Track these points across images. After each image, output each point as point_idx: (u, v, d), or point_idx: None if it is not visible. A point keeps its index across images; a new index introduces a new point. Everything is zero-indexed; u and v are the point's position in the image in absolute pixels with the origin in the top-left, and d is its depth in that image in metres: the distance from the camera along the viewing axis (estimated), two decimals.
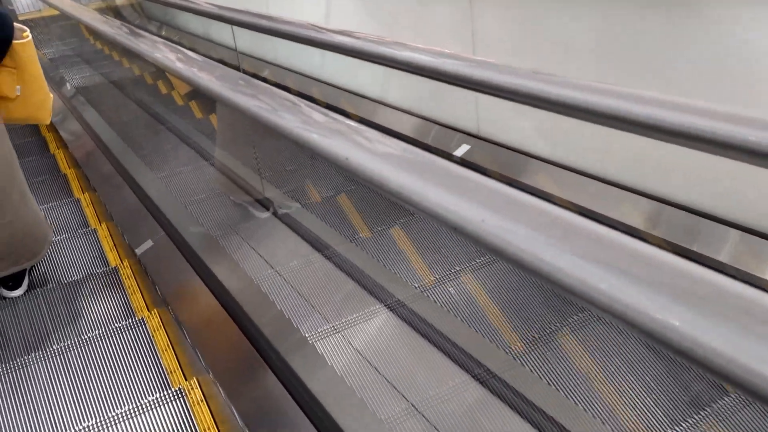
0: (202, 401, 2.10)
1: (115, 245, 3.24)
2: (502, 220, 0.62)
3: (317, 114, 0.94)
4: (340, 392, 1.69)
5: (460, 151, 3.22)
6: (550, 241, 0.58)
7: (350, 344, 1.83)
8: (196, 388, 2.13)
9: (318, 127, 0.90)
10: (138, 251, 2.80)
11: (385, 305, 2.03)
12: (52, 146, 4.90)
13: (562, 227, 0.58)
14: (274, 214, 2.92)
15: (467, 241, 0.63)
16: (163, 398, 2.09)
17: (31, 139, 5.06)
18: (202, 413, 2.07)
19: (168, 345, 2.46)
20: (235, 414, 1.79)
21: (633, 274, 0.49)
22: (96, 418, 2.04)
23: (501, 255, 0.58)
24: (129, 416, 2.04)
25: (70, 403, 2.24)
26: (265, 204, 3.04)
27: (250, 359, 1.94)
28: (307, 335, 1.99)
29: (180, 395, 2.12)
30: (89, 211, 3.68)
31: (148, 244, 2.81)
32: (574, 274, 0.54)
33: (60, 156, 4.62)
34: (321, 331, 2.05)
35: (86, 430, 1.99)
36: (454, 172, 0.69)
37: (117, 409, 2.09)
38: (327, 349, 1.96)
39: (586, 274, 0.53)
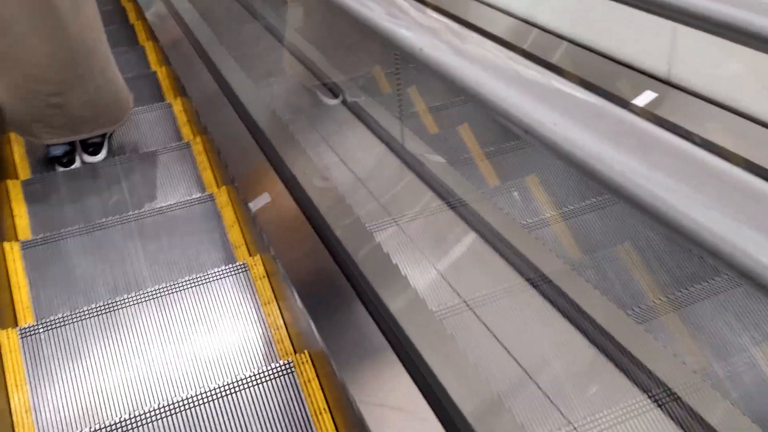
0: (264, 277, 2.21)
1: (188, 121, 3.33)
2: (575, 125, 0.60)
3: (405, 4, 0.91)
4: (393, 279, 1.73)
5: (642, 100, 2.43)
6: (621, 150, 0.57)
7: (408, 237, 1.86)
8: (259, 264, 2.24)
9: (399, 17, 0.87)
10: (211, 129, 2.87)
11: (446, 203, 2.04)
12: (132, 16, 4.95)
13: (638, 137, 0.56)
14: (344, 102, 2.91)
15: (537, 144, 0.61)
16: (228, 271, 2.21)
17: (109, 7, 5.11)
18: (264, 288, 2.18)
19: (234, 221, 2.57)
20: (293, 291, 1.88)
21: (711, 192, 0.48)
22: (166, 282, 2.19)
23: (570, 161, 0.57)
24: (196, 283, 2.17)
25: (143, 265, 2.40)
26: (334, 91, 3.03)
27: (310, 240, 2.00)
28: (366, 224, 2.03)
29: (244, 269, 2.23)
30: (165, 85, 3.76)
31: (221, 123, 2.86)
32: (641, 184, 0.52)
33: (138, 27, 4.67)
34: (381, 222, 2.09)
35: (157, 291, 2.14)
36: (531, 74, 0.66)
37: (186, 275, 2.22)
38: (384, 238, 2.00)
39: (656, 186, 0.52)
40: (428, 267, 1.71)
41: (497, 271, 1.69)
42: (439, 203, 2.10)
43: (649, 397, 1.23)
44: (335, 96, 2.95)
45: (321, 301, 1.78)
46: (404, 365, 1.48)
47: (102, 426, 1.67)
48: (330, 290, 1.79)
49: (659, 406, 1.21)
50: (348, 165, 2.28)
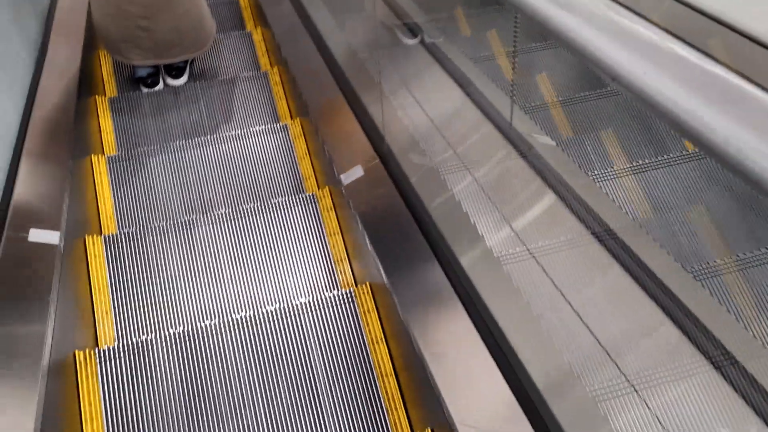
0: (331, 209, 2.27)
1: (267, 51, 3.38)
2: (665, 76, 0.60)
3: None
4: (459, 222, 1.76)
5: None
6: (709, 104, 0.57)
7: (473, 178, 1.87)
8: (327, 197, 2.30)
9: None
10: (289, 61, 2.91)
11: (518, 150, 2.03)
12: None
13: (728, 92, 0.56)
14: (422, 42, 2.89)
15: (624, 92, 0.62)
16: (297, 200, 2.29)
17: None
18: (330, 219, 2.25)
19: (306, 153, 2.63)
20: (358, 222, 1.94)
21: None
22: (239, 206, 2.28)
23: (657, 111, 0.58)
24: (267, 210, 2.26)
25: (218, 187, 2.50)
26: (414, 30, 3.00)
27: (378, 173, 2.04)
28: (436, 166, 2.05)
29: (312, 200, 2.30)
30: (246, 14, 3.80)
31: (300, 56, 2.89)
32: (729, 141, 0.53)
33: None
34: (450, 165, 2.10)
35: (230, 214, 2.24)
36: (626, 23, 0.66)
37: (258, 202, 2.31)
38: (450, 179, 2.00)
39: (741, 143, 0.53)
40: (495, 213, 1.73)
41: (563, 222, 1.69)
42: (511, 154, 2.10)
43: (707, 358, 1.24)
44: (415, 36, 2.92)
45: (386, 237, 1.83)
46: (464, 305, 1.52)
47: (173, 332, 1.80)
48: (396, 227, 1.84)
49: (716, 367, 1.22)
50: (424, 107, 2.28)
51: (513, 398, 1.30)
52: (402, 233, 1.80)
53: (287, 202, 2.29)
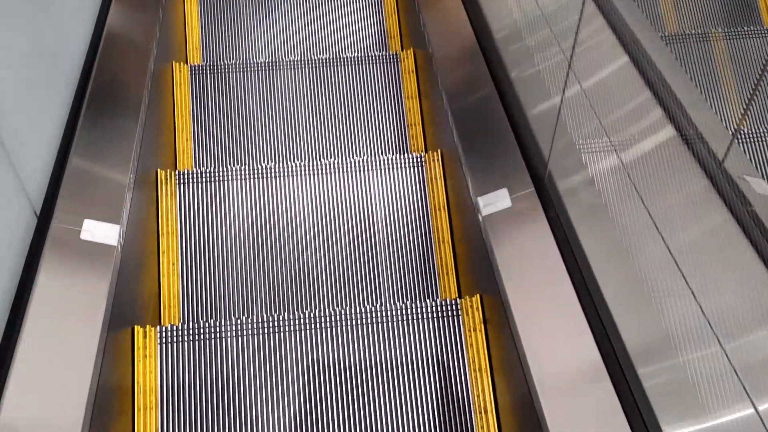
0: (412, 71, 2.25)
1: None
2: None
3: None
4: (539, 94, 1.71)
5: None
6: None
7: (577, 78, 1.80)
8: (410, 59, 2.27)
9: None
10: None
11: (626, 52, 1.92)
12: None
13: None
14: None
15: None
16: (380, 58, 2.26)
17: None
18: (410, 82, 2.23)
19: (394, 11, 2.56)
20: (442, 92, 1.92)
21: None
22: (322, 54, 2.27)
23: None
24: (348, 63, 2.25)
25: (303, 32, 2.48)
26: None
27: (469, 44, 1.98)
28: (538, 67, 1.96)
29: (394, 60, 2.27)
30: None
31: None
32: None
33: None
34: (554, 61, 2.02)
35: (313, 61, 2.24)
36: None
37: (339, 53, 2.29)
38: (551, 78, 1.93)
39: None
40: (593, 119, 1.67)
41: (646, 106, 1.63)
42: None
43: None
44: None
45: (467, 103, 1.80)
46: (536, 187, 1.52)
47: (247, 168, 1.87)
48: (476, 93, 1.81)
49: None
50: None
51: (571, 286, 1.32)
52: (482, 98, 1.77)
53: (367, 57, 2.26)
